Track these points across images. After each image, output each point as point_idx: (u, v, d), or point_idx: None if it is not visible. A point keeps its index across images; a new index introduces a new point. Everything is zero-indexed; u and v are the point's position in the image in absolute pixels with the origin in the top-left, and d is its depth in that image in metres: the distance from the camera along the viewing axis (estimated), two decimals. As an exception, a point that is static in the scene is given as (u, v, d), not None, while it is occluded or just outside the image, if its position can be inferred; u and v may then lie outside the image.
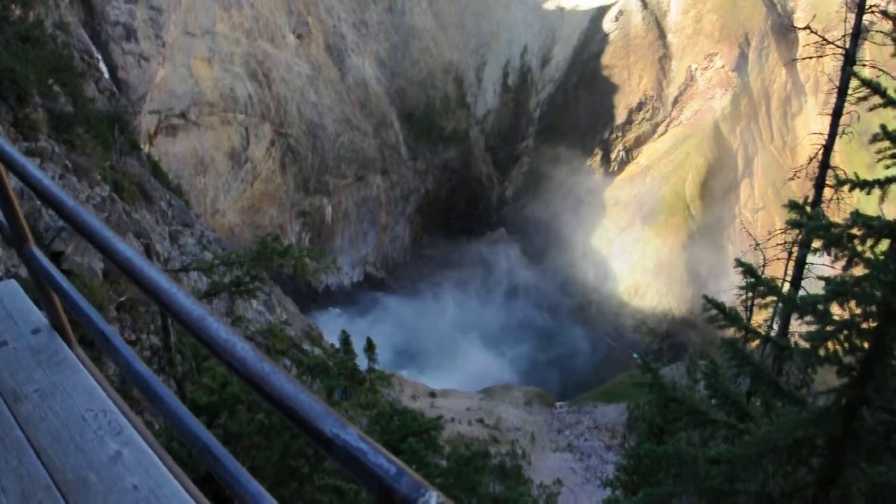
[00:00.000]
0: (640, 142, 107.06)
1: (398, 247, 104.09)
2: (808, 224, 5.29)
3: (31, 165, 2.67)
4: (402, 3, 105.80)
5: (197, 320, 1.69)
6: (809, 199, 11.49)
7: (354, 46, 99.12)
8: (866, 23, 12.00)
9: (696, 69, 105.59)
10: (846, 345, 4.96)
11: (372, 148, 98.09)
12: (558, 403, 60.75)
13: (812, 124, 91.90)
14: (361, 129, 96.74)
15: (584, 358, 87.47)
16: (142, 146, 46.32)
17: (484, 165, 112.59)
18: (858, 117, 10.89)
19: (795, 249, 11.76)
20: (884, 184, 4.93)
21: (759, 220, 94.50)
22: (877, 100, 5.16)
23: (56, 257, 13.93)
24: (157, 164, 42.40)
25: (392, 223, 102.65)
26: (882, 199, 4.94)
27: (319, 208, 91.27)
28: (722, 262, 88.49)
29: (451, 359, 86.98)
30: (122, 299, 14.47)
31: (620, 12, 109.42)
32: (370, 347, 12.76)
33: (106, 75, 49.37)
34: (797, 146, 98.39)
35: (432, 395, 56.71)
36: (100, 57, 54.99)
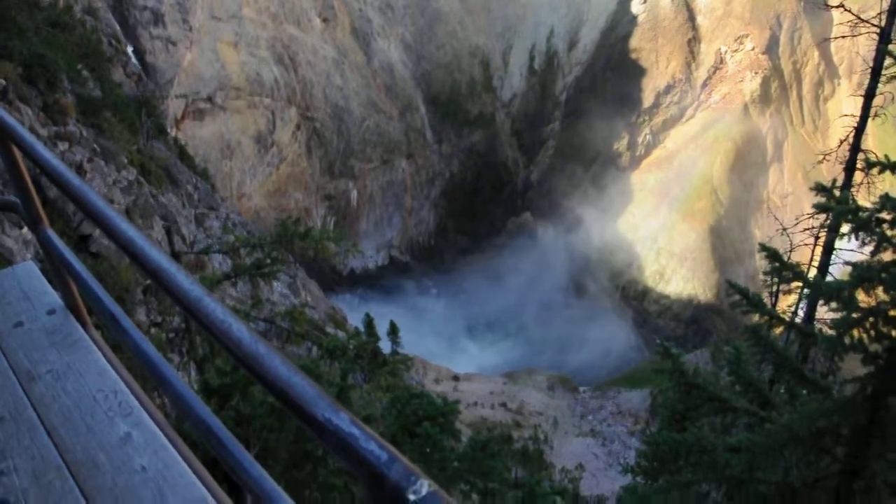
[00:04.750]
0: (667, 126, 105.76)
1: (423, 231, 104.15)
2: (836, 208, 5.15)
3: (38, 144, 2.67)
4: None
5: (195, 301, 1.68)
6: (838, 183, 11.22)
7: (380, 30, 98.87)
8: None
9: (726, 52, 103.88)
10: (872, 332, 4.84)
11: (397, 132, 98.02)
12: (581, 388, 60.63)
13: (845, 107, 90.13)
14: (387, 112, 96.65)
15: (608, 342, 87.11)
16: (169, 130, 46.77)
17: (510, 149, 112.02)
18: (893, 98, 10.61)
19: (823, 234, 11.54)
20: (915, 166, 4.78)
21: (788, 204, 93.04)
22: (909, 79, 4.99)
23: (84, 240, 14.10)
24: (184, 148, 42.82)
25: (417, 207, 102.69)
26: (913, 182, 4.79)
27: (345, 192, 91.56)
28: (749, 247, 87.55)
29: (475, 342, 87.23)
30: (148, 282, 14.63)
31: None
32: (394, 331, 12.78)
33: (133, 60, 49.81)
34: (829, 130, 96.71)
35: (455, 378, 56.87)
36: (128, 42, 55.47)
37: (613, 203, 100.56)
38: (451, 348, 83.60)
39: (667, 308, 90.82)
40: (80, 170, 15.81)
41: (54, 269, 3.20)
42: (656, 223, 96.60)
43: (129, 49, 51.73)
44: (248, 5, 79.59)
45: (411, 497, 1.12)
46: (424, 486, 1.13)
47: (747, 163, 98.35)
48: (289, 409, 1.36)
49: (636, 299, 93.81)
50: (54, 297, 3.44)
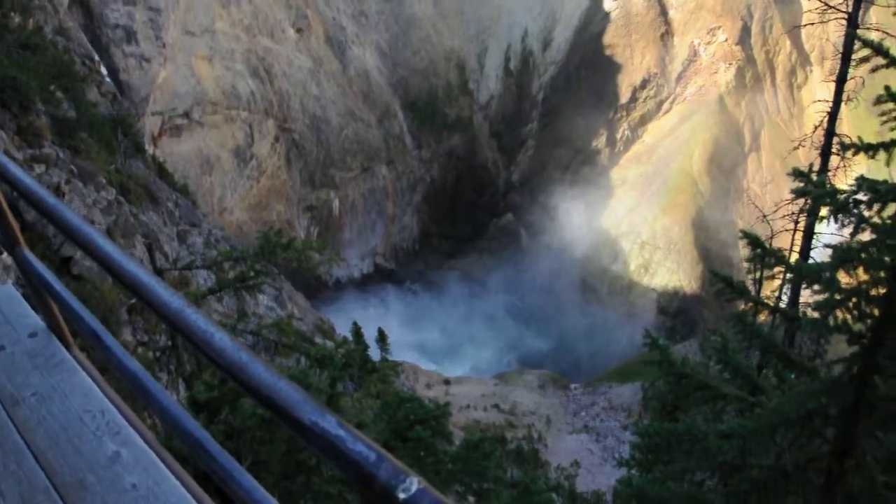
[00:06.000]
0: (645, 120, 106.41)
1: (407, 237, 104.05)
2: (814, 192, 5.20)
3: (11, 165, 2.65)
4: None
5: (175, 312, 1.67)
6: (815, 167, 11.33)
7: (355, 38, 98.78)
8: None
9: (699, 44, 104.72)
10: (856, 312, 4.88)
11: (376, 139, 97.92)
12: (573, 385, 60.73)
13: (818, 94, 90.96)
14: (365, 120, 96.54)
15: (597, 339, 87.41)
16: (146, 148, 46.44)
17: (489, 151, 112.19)
18: (863, 82, 10.73)
19: (803, 219, 11.64)
20: (889, 146, 4.83)
21: (768, 193, 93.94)
22: (879, 61, 5.05)
23: (65, 262, 13.97)
24: (163, 165, 42.58)
25: (399, 213, 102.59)
26: (888, 162, 4.84)
27: (326, 202, 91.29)
28: (732, 237, 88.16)
29: (465, 346, 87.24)
30: (133, 301, 14.50)
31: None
32: (382, 338, 12.76)
33: (107, 79, 49.37)
34: (803, 117, 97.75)
35: (447, 382, 56.78)
36: (101, 60, 55.00)
37: (595, 199, 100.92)
38: (440, 351, 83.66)
39: (653, 301, 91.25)
40: (57, 192, 15.68)
41: (34, 291, 3.16)
42: (639, 217, 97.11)
43: (103, 68, 51.32)
44: (221, 19, 79.28)
45: (401, 495, 1.12)
46: (414, 483, 1.13)
47: (726, 153, 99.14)
48: (275, 415, 1.36)
49: (622, 294, 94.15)
50: (36, 320, 3.41)
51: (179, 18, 74.36)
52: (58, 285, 2.91)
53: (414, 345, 78.01)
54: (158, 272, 12.10)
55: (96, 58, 50.03)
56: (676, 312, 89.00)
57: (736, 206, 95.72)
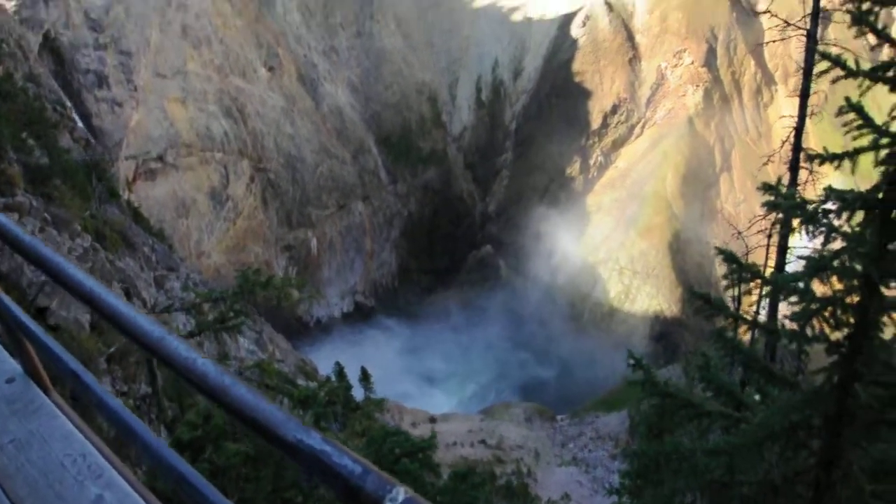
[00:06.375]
0: (617, 145, 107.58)
1: (386, 273, 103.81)
2: (783, 203, 5.30)
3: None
4: (370, 27, 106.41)
5: (157, 340, 1.67)
6: (784, 181, 11.55)
7: (326, 74, 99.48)
8: (828, 5, 12.24)
9: (667, 67, 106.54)
10: (832, 321, 4.95)
11: (352, 175, 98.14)
12: (559, 417, 60.44)
13: (784, 110, 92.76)
14: (340, 157, 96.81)
15: (581, 368, 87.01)
16: (121, 193, 46.09)
17: (464, 183, 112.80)
18: (826, 97, 11.01)
19: (776, 232, 11.81)
20: (853, 155, 4.94)
21: (741, 212, 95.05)
22: (838, 72, 5.20)
23: (41, 313, 13.77)
24: (138, 210, 42.22)
25: (378, 249, 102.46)
26: (853, 170, 4.95)
27: (304, 241, 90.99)
28: (709, 258, 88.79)
29: (448, 381, 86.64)
30: (112, 350, 14.31)
31: (587, 17, 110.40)
32: (365, 377, 12.69)
33: (80, 124, 49.16)
34: (771, 134, 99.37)
35: (432, 420, 56.14)
36: (72, 106, 54.83)
37: (572, 227, 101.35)
38: (423, 388, 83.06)
39: (635, 327, 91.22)
40: (31, 240, 15.48)
41: (10, 335, 3.12)
42: (615, 243, 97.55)
43: (75, 114, 51.14)
44: (192, 60, 79.49)
45: None
46: (401, 493, 1.14)
47: (698, 175, 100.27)
48: (259, 435, 1.36)
49: (603, 321, 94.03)
50: (13, 365, 3.35)
51: (150, 61, 74.48)
52: (35, 327, 2.87)
53: (396, 382, 77.12)
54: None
55: (68, 103, 49.90)
56: (658, 337, 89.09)
57: (711, 227, 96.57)
